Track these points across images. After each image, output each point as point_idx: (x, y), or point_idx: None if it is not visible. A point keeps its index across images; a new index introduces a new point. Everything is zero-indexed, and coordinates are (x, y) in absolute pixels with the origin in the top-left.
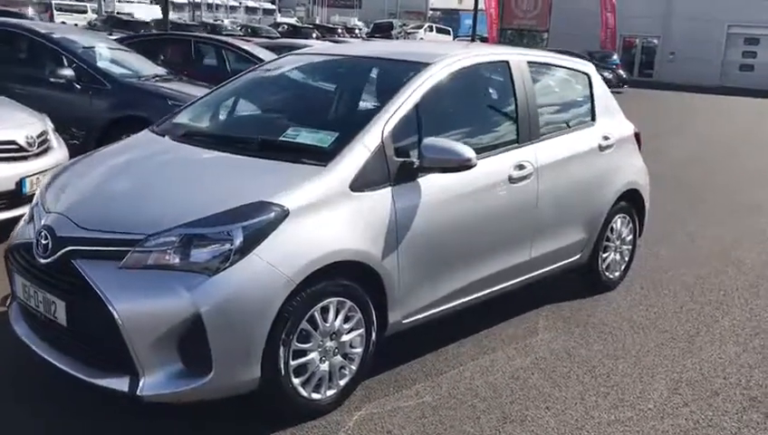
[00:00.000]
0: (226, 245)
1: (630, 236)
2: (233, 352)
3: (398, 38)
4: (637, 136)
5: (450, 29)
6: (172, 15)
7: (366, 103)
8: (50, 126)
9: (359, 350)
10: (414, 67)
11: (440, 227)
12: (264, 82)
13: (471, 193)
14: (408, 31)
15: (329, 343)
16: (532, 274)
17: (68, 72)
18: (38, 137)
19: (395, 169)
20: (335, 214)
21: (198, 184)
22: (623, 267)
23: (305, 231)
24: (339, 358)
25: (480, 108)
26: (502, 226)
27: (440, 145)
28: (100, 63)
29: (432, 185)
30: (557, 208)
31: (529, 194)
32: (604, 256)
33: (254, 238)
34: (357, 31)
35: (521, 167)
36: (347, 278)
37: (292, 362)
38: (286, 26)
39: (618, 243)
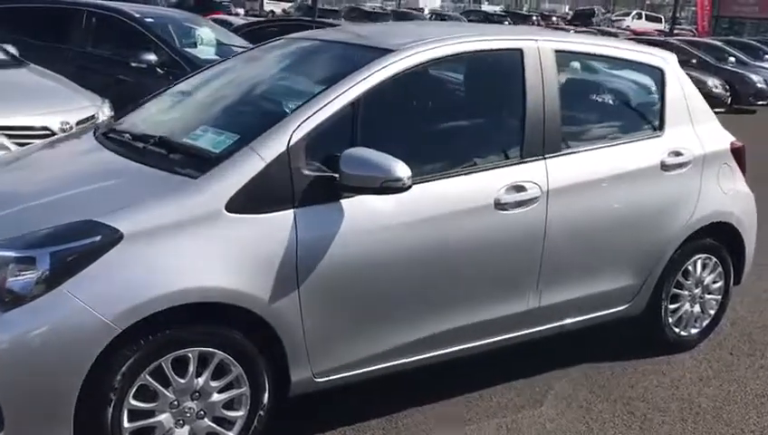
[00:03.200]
0: (31, 273)
1: (719, 284)
2: (29, 409)
3: (567, 26)
4: (737, 152)
5: (661, 17)
6: None
7: (294, 100)
8: (107, 112)
9: (239, 413)
10: (369, 55)
11: (376, 265)
12: (226, 72)
13: (427, 223)
14: (613, 18)
15: (189, 404)
16: (541, 327)
17: (151, 56)
18: (80, 123)
19: (303, 186)
20: (197, 242)
21: (58, 191)
22: (705, 323)
23: (145, 262)
24: (206, 422)
25: (461, 110)
26: (480, 266)
27: (361, 157)
28: (186, 48)
29: (365, 210)
30: (582, 244)
31: (531, 225)
32: (672, 307)
33: (66, 268)
34: (554, 19)
35: (519, 189)
36: (218, 324)
37: (129, 425)
38: (481, 14)
39: (696, 291)
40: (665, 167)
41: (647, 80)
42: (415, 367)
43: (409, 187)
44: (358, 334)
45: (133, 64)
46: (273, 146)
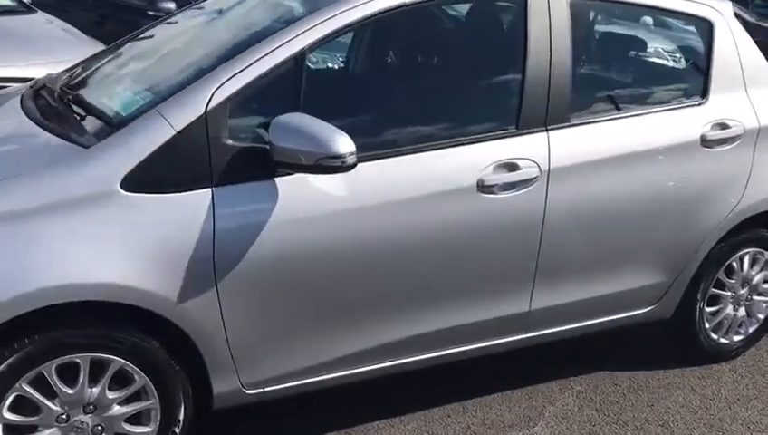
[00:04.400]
0: None
1: None
2: None
3: None
4: None
5: None
6: None
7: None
8: None
9: (147, 429)
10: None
11: (319, 260)
12: (185, 24)
13: (388, 209)
14: None
15: (82, 417)
16: (536, 333)
17: (170, 4)
18: None
19: (224, 159)
20: (84, 227)
21: None
22: (753, 329)
23: (16, 250)
24: None
25: (439, 68)
26: (456, 262)
27: (294, 126)
28: None
29: (308, 192)
30: (593, 236)
31: (525, 211)
32: (710, 310)
33: None
34: None
35: (510, 167)
36: (113, 327)
37: None
38: None
39: (742, 292)
40: (705, 142)
41: (689, 34)
42: (372, 377)
43: (352, 165)
44: (298, 340)
45: (150, 13)
46: (185, 110)
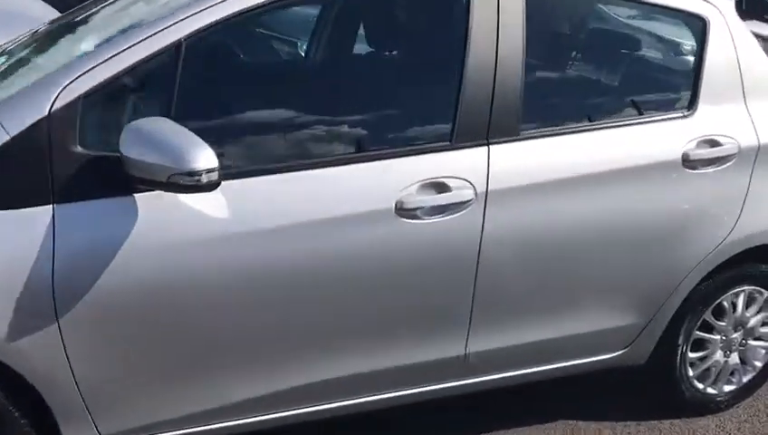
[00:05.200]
0: None
1: None
2: None
3: None
4: None
5: None
6: None
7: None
8: None
9: None
10: None
11: (190, 291)
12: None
13: (276, 233)
14: None
15: None
16: (485, 377)
17: None
18: None
19: (70, 172)
20: None
21: None
22: (747, 379)
23: None
24: None
25: (351, 65)
26: (365, 296)
27: (148, 135)
28: None
29: (176, 213)
30: (541, 270)
31: (456, 240)
32: (695, 356)
33: None
34: None
35: (439, 187)
36: None
37: None
38: None
39: (735, 336)
40: (688, 162)
41: (677, 33)
42: (272, 426)
43: (213, 184)
44: (171, 384)
45: None
46: (24, 110)
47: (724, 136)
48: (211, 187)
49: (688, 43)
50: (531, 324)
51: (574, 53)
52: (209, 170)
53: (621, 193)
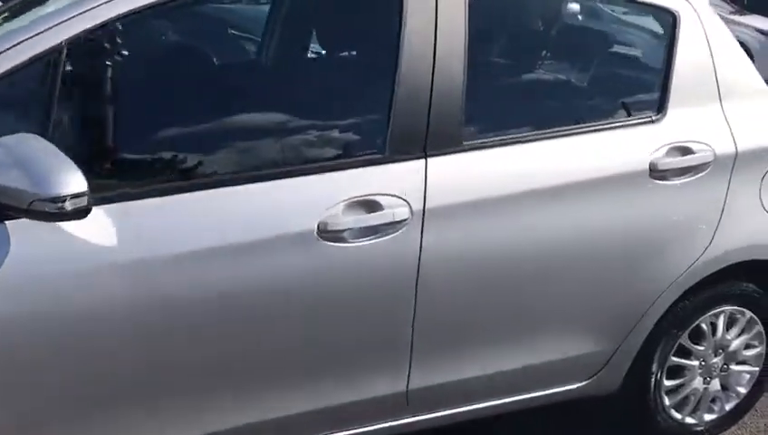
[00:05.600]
0: None
1: (758, 350)
2: None
3: None
4: None
5: None
6: None
7: None
8: None
9: None
10: None
11: (68, 329)
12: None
13: (175, 262)
14: None
15: None
16: (432, 414)
17: None
18: None
19: None
20: None
21: None
22: (730, 407)
23: None
24: None
25: (268, 69)
26: (286, 328)
27: (15, 153)
28: None
29: (53, 238)
30: (493, 293)
31: (389, 264)
32: (671, 383)
33: None
34: None
35: (369, 206)
36: None
37: None
38: None
39: (716, 361)
40: (657, 172)
41: (644, 28)
42: None
43: (81, 211)
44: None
45: None
46: None
47: (698, 142)
48: (78, 214)
49: (657, 40)
50: (481, 355)
51: (527, 53)
52: (76, 196)
53: (581, 208)
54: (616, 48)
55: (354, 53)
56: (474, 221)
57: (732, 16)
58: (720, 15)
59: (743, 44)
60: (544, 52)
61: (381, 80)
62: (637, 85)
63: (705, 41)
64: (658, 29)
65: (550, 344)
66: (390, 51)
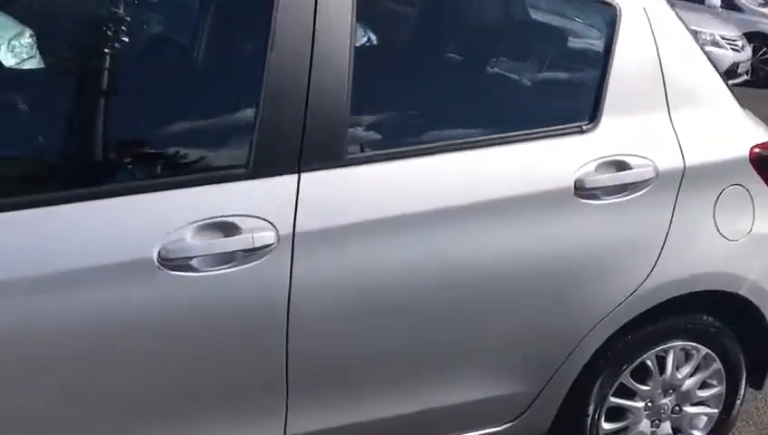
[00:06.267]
0: None
1: (716, 390)
2: None
3: None
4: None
5: None
6: None
7: None
8: None
9: None
10: None
11: None
12: None
13: None
14: None
15: None
16: None
17: None
18: None
19: None
20: None
21: None
22: None
23: None
24: None
25: (111, 75)
26: (121, 371)
27: None
28: None
29: None
30: (385, 327)
31: (251, 296)
32: (611, 427)
33: None
34: None
35: (228, 230)
36: None
37: None
38: None
39: (665, 401)
40: (584, 190)
41: (580, 25)
42: None
43: None
44: None
45: None
46: None
47: (636, 156)
48: None
49: (594, 38)
50: (374, 398)
51: (431, 51)
52: None
53: (490, 232)
54: (544, 46)
55: (216, 50)
56: (357, 247)
57: (762, 9)
58: (750, 8)
59: None
60: (454, 50)
61: (246, 83)
62: (567, 90)
63: (651, 40)
64: (598, 25)
65: (460, 384)
66: (257, 49)
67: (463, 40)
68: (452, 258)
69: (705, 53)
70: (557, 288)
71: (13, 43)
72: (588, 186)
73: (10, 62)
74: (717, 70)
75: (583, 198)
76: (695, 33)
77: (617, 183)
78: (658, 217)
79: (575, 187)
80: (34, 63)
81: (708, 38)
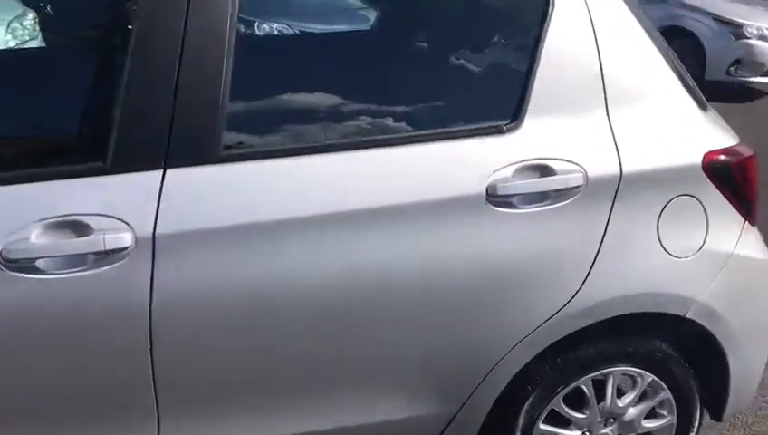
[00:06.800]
0: None
1: (666, 421)
2: None
3: None
4: (724, 169)
5: None
6: None
7: None
8: None
9: None
10: None
11: None
12: None
13: None
14: None
15: None
16: None
17: None
18: None
19: None
20: None
21: None
22: None
23: None
24: None
25: None
26: None
27: None
28: None
29: None
30: (265, 342)
31: (109, 303)
32: None
33: None
34: None
35: (78, 230)
36: None
37: None
38: None
39: (605, 431)
40: (499, 197)
41: (508, 10)
42: None
43: None
44: None
45: None
46: None
47: (563, 161)
48: None
49: (519, 28)
50: (259, 413)
51: (320, 40)
52: None
53: (384, 240)
54: (461, 34)
55: (74, 35)
56: (229, 251)
57: None
58: None
59: None
60: (349, 38)
61: (106, 72)
62: (487, 86)
63: (590, 31)
64: (526, 11)
65: (359, 403)
66: (118, 29)
67: (379, 29)
68: (337, 268)
69: (666, 48)
70: (466, 304)
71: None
72: (501, 192)
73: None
74: (677, 67)
75: (497, 205)
76: (650, 25)
77: (537, 190)
78: (589, 230)
79: (487, 193)
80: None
81: (755, 31)
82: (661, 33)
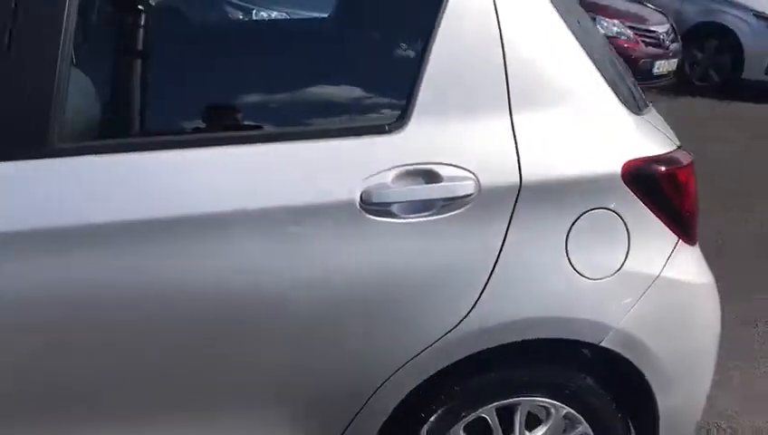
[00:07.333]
0: None
1: None
2: None
3: None
4: (651, 179)
5: None
6: None
7: None
8: None
9: None
10: None
11: None
12: None
13: None
14: None
15: None
16: None
17: None
18: None
19: None
20: None
21: None
22: None
23: None
24: None
25: None
26: None
27: None
28: None
29: None
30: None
31: None
32: None
33: None
34: None
35: None
36: None
37: None
38: None
39: None
40: (372, 205)
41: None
42: None
43: None
44: None
45: None
46: None
47: (453, 166)
48: None
49: (415, 13)
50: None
51: (177, 23)
52: None
53: (239, 249)
54: (352, 22)
55: None
56: (52, 254)
57: None
58: None
59: None
60: (210, 24)
61: None
62: (374, 80)
63: (494, 22)
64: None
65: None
66: None
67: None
68: (183, 279)
69: (599, 45)
70: (339, 321)
71: None
72: (376, 199)
73: None
74: (606, 66)
75: (373, 214)
76: (583, 16)
77: (419, 198)
78: (483, 245)
79: (361, 199)
80: None
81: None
82: (696, 30)
